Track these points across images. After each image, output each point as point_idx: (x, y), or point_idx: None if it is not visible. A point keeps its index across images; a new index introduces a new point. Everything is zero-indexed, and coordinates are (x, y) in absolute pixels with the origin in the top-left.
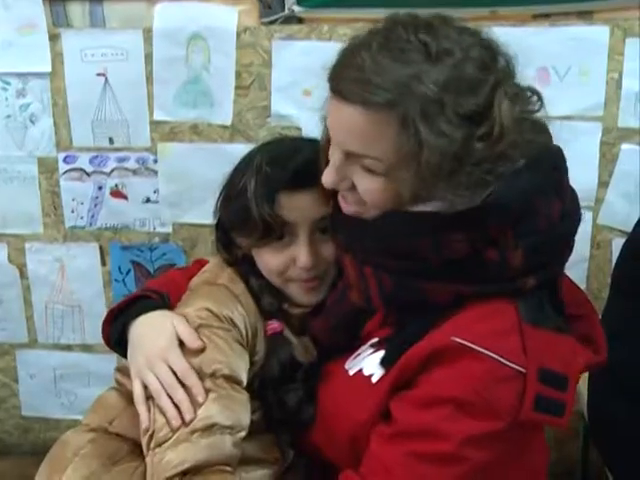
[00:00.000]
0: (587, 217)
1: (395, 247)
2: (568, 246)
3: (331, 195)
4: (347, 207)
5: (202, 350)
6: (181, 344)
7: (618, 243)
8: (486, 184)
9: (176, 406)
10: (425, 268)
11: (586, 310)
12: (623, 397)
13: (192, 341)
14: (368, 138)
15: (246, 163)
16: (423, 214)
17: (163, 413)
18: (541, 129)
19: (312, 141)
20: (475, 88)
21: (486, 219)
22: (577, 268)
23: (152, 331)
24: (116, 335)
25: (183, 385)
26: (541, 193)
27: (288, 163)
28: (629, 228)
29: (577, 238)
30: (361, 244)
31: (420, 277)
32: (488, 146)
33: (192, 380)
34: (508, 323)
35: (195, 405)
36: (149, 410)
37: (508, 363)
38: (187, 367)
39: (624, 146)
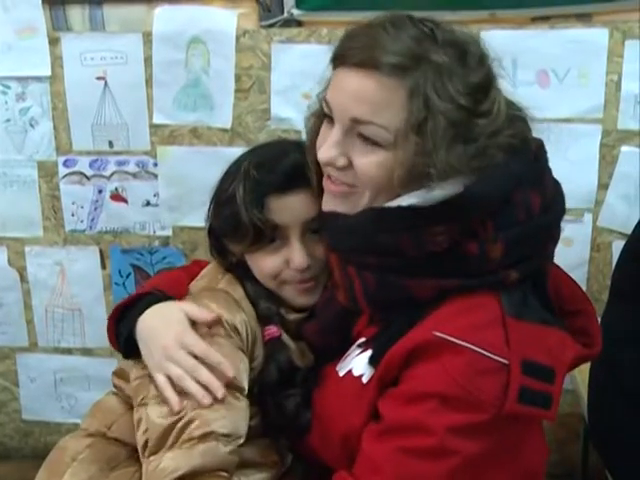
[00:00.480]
0: (587, 219)
1: (376, 244)
2: (552, 239)
3: (320, 194)
4: (335, 189)
5: (217, 322)
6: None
7: (618, 245)
8: (472, 165)
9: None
10: (407, 264)
11: (583, 305)
12: (623, 400)
13: (204, 316)
14: (377, 104)
15: (234, 169)
16: (402, 209)
17: (192, 394)
18: (524, 122)
19: (299, 143)
20: (477, 69)
21: (465, 210)
22: (577, 271)
23: (162, 321)
24: (125, 334)
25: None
26: (519, 185)
27: (275, 166)
28: (629, 230)
29: (577, 240)
30: (343, 243)
31: (402, 274)
32: (487, 123)
33: (215, 357)
34: (490, 316)
35: (224, 380)
36: (177, 394)
37: (490, 355)
38: (206, 346)
39: (624, 148)
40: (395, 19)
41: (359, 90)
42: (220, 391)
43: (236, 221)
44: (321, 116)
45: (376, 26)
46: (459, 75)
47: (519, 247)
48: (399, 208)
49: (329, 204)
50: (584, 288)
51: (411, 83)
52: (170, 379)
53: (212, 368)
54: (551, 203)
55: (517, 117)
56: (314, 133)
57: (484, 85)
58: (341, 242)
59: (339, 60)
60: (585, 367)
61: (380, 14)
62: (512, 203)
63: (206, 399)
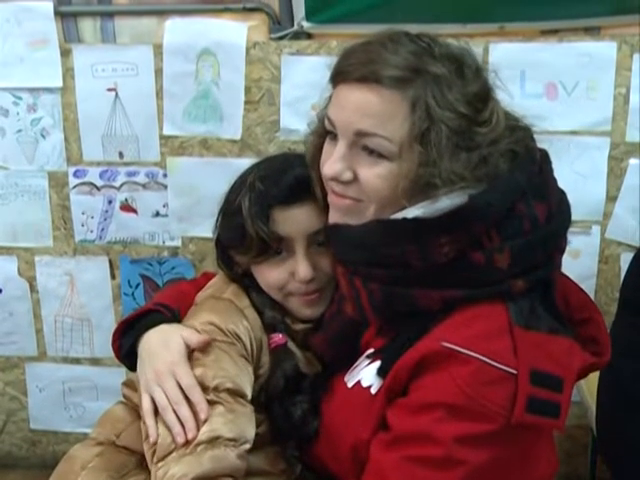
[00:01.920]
0: (595, 231)
1: (381, 256)
2: (558, 248)
3: (325, 207)
4: (340, 202)
5: (209, 353)
6: (189, 358)
7: (626, 257)
8: (477, 174)
9: (181, 422)
10: (413, 275)
11: (592, 313)
12: (632, 412)
13: (199, 342)
14: (380, 116)
15: (240, 182)
16: (407, 221)
17: (169, 429)
18: (526, 131)
19: (304, 156)
20: (474, 79)
21: (469, 220)
22: (585, 283)
23: (161, 345)
24: (126, 347)
25: (189, 400)
26: (523, 195)
27: (280, 179)
28: (637, 242)
29: (585, 252)
30: (349, 254)
31: (408, 285)
32: (488, 131)
33: (196, 396)
34: (498, 325)
35: (198, 421)
36: (156, 423)
37: (497, 365)
38: (193, 383)
39: (632, 161)
40: (392, 35)
41: (362, 104)
42: (192, 433)
43: (242, 233)
44: (323, 134)
45: (374, 43)
46: (458, 85)
47: (526, 256)
48: (404, 220)
49: (335, 218)
50: None
51: (412, 94)
52: (154, 403)
53: (192, 405)
54: (556, 212)
55: (517, 127)
56: (316, 151)
57: (482, 94)
58: (347, 254)
59: (340, 77)
60: (593, 378)
61: (377, 31)
62: (517, 213)
63: (180, 437)
